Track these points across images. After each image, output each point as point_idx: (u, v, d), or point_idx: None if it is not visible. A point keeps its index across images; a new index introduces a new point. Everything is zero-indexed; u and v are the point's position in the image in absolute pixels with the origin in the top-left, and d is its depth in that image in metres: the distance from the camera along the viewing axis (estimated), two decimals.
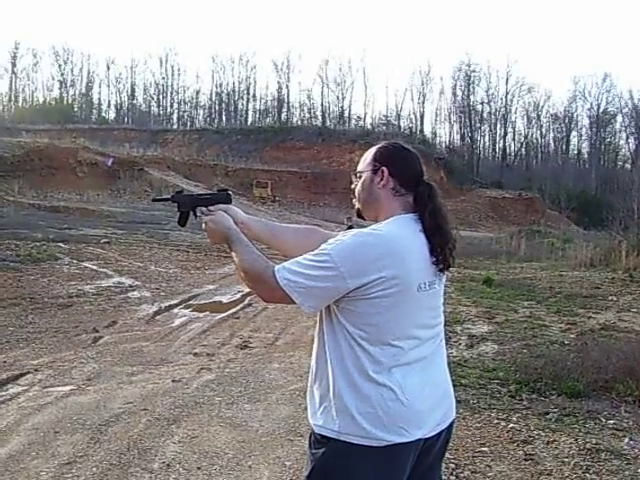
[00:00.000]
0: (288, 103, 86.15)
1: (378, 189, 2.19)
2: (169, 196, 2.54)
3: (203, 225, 2.37)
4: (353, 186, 2.29)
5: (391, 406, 1.99)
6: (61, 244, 18.68)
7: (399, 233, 2.04)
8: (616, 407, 5.85)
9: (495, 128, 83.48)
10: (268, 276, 2.02)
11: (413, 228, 2.09)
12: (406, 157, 2.23)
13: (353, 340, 2.01)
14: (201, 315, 10.68)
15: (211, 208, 2.40)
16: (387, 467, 2.01)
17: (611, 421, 5.46)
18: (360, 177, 2.25)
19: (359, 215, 2.30)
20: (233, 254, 2.20)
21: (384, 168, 2.17)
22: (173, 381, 6.51)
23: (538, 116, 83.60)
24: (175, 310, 11.06)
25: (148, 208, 34.62)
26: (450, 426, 2.22)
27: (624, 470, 4.41)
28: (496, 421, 5.41)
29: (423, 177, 2.21)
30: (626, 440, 4.98)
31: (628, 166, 70.55)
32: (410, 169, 2.21)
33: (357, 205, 2.29)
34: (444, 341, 2.24)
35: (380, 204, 2.19)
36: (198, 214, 2.42)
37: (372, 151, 2.26)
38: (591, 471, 4.39)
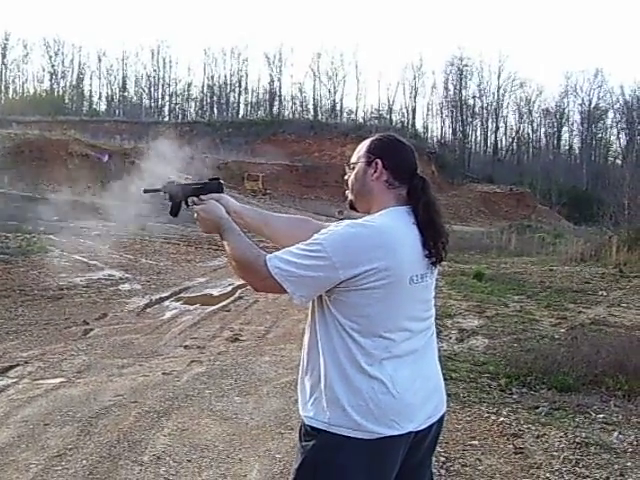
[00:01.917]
0: (280, 96, 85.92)
1: (371, 181, 2.18)
2: (160, 187, 2.52)
3: (195, 215, 2.36)
4: (346, 177, 2.28)
5: (382, 399, 1.99)
6: (51, 236, 18.59)
7: (392, 225, 2.04)
8: (605, 401, 5.89)
9: (487, 123, 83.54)
10: (259, 265, 2.01)
11: (406, 220, 2.09)
12: (400, 150, 2.22)
13: (344, 332, 2.01)
14: (192, 308, 10.66)
15: (203, 197, 2.39)
16: (378, 460, 2.02)
17: (601, 415, 5.48)
18: (354, 168, 2.25)
19: (352, 207, 2.29)
20: (225, 243, 2.19)
21: (378, 160, 2.17)
22: (163, 374, 6.50)
23: (530, 111, 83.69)
24: (166, 303, 11.05)
25: (139, 200, 34.50)
26: (441, 419, 2.22)
27: (613, 464, 4.44)
28: (486, 415, 5.43)
29: (417, 170, 2.20)
30: (615, 434, 5.01)
31: (619, 162, 70.75)
32: (404, 162, 2.20)
33: (350, 197, 2.28)
34: (435, 334, 2.25)
35: (373, 196, 2.19)
36: (190, 204, 2.41)
37: (366, 143, 2.25)
38: (581, 465, 4.41)
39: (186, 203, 2.43)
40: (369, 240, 1.97)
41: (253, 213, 2.54)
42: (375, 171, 2.17)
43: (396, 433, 2.01)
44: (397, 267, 1.99)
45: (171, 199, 2.47)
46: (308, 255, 1.97)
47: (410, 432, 2.05)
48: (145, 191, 2.67)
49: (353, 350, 2.01)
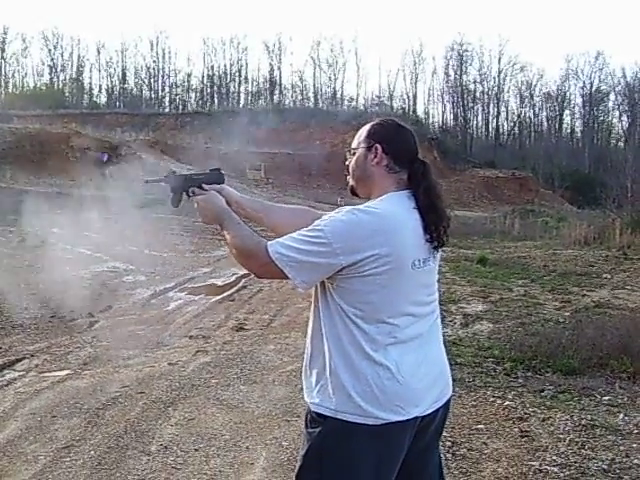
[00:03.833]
0: (280, 85, 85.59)
1: (372, 166, 2.18)
2: (162, 177, 2.53)
3: (195, 205, 2.37)
4: (347, 163, 2.28)
5: (387, 384, 2.00)
6: (55, 229, 18.60)
7: (393, 210, 2.04)
8: (611, 383, 5.90)
9: (488, 108, 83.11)
10: (261, 251, 2.02)
11: (407, 205, 2.08)
12: (400, 134, 2.22)
13: (348, 318, 2.02)
14: (196, 298, 10.68)
15: (205, 187, 2.39)
16: (384, 445, 2.03)
17: (606, 397, 5.50)
18: (354, 154, 2.24)
19: (353, 192, 2.29)
20: (225, 232, 2.19)
21: (378, 145, 2.16)
22: (169, 364, 6.52)
23: (531, 95, 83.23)
24: (170, 293, 11.07)
25: (141, 192, 34.46)
26: (447, 404, 2.23)
27: (619, 445, 4.45)
28: (492, 399, 5.44)
29: (418, 154, 2.20)
30: (621, 416, 5.02)
31: (621, 144, 70.48)
32: (404, 146, 2.20)
33: (351, 182, 2.28)
34: (440, 319, 2.25)
35: (374, 181, 2.18)
36: (191, 194, 2.41)
37: (366, 128, 2.24)
38: (586, 447, 4.42)
39: (187, 194, 2.43)
40: (370, 226, 1.97)
41: (254, 203, 2.55)
42: (375, 156, 2.17)
43: (402, 418, 2.02)
44: (399, 252, 2.00)
45: (172, 190, 2.47)
46: (309, 241, 1.97)
47: (416, 417, 2.06)
48: (147, 181, 2.68)
49: (357, 336, 2.01)
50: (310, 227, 2.02)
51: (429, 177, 2.16)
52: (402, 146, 2.19)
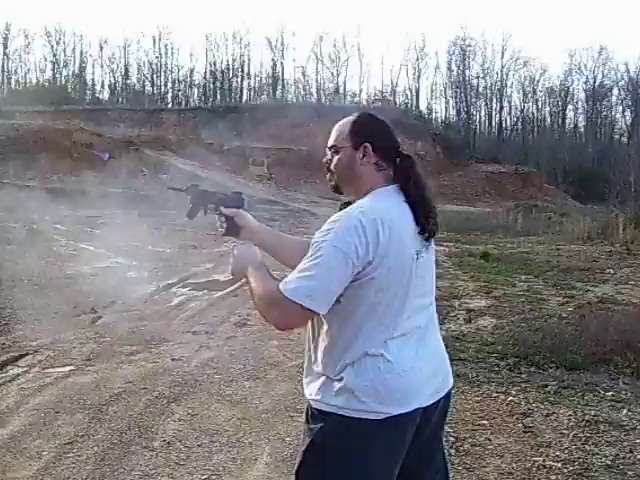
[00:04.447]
0: (283, 80, 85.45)
1: (361, 165, 2.16)
2: (183, 187, 2.54)
3: (219, 229, 2.39)
4: (325, 160, 2.26)
5: (388, 378, 2.00)
6: (58, 225, 18.63)
7: (386, 207, 2.04)
8: (614, 379, 5.89)
9: (491, 103, 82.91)
10: (274, 293, 1.99)
11: (397, 200, 2.09)
12: (384, 129, 2.21)
13: (347, 315, 2.02)
14: (199, 294, 10.66)
15: (223, 210, 2.40)
16: (386, 439, 2.02)
17: (609, 393, 5.49)
18: (337, 152, 2.21)
19: (336, 191, 2.26)
20: (250, 280, 2.17)
21: (367, 144, 2.14)
22: (172, 360, 6.52)
23: (534, 90, 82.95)
24: (173, 289, 11.04)
25: (144, 188, 34.46)
26: (448, 395, 2.23)
27: (623, 441, 4.46)
28: (495, 394, 5.44)
29: (399, 148, 2.19)
30: (624, 411, 5.02)
31: (624, 139, 70.36)
32: (389, 142, 2.19)
33: (333, 181, 2.25)
34: (435, 310, 2.25)
35: (362, 180, 2.17)
36: (208, 211, 2.44)
37: (347, 125, 2.21)
38: (590, 442, 4.43)
39: (204, 210, 2.45)
40: (370, 226, 1.96)
41: (269, 233, 2.52)
42: (364, 155, 2.15)
43: (403, 411, 2.02)
44: (398, 247, 2.00)
45: (192, 202, 2.49)
46: (317, 263, 1.95)
47: (417, 409, 2.06)
48: (169, 188, 2.73)
49: (357, 333, 2.02)
50: (311, 251, 1.99)
51: (416, 170, 2.16)
52: (388, 142, 2.19)
